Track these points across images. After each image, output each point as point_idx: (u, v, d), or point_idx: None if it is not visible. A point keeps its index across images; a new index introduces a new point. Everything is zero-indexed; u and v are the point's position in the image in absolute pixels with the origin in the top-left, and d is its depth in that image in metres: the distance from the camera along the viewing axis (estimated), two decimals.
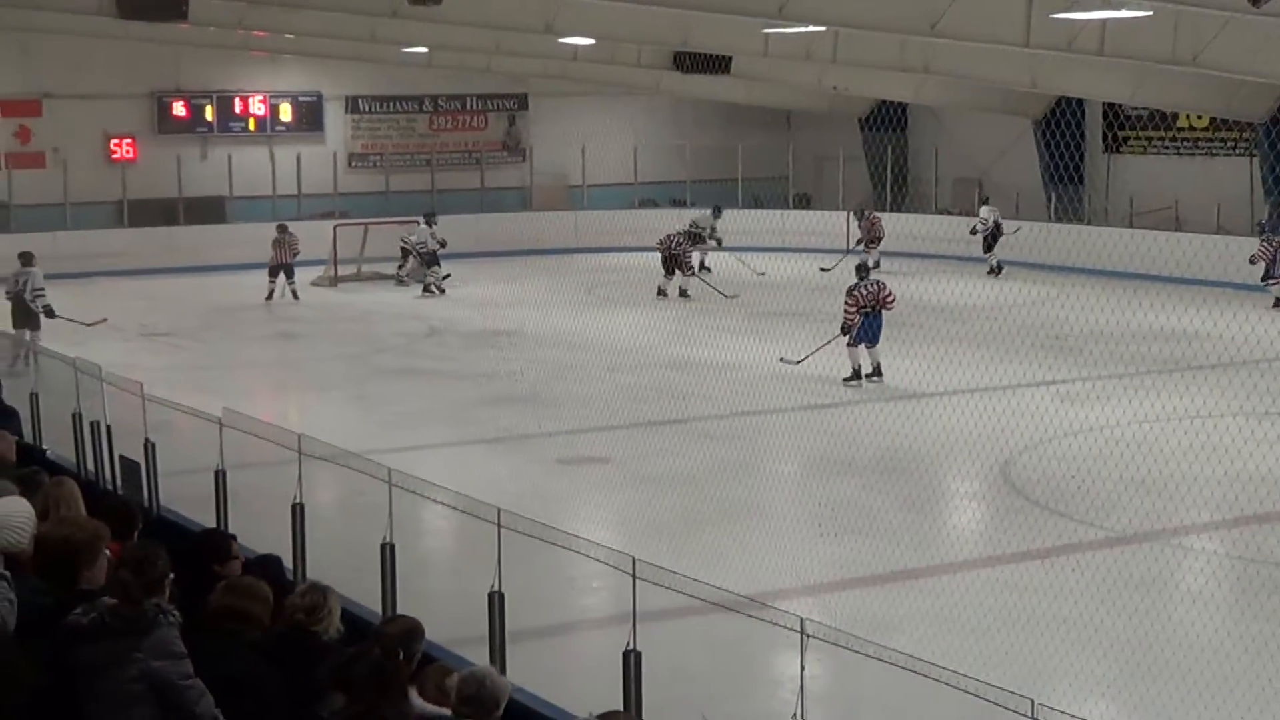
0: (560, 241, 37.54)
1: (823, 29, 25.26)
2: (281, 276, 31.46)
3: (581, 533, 11.17)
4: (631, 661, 8.18)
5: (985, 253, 34.03)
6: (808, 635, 7.12)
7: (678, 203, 41.00)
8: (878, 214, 35.63)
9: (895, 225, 35.47)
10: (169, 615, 6.06)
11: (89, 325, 25.36)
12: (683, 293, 31.05)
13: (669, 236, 31.31)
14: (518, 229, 38.06)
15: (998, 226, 34.05)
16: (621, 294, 31.22)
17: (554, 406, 20.25)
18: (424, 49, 33.74)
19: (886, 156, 38.47)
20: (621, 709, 7.77)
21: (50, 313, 24.18)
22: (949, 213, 38.09)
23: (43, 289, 24.28)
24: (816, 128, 41.91)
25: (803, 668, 7.10)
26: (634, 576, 8.12)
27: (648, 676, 8.25)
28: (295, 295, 31.38)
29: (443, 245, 33.14)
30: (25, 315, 24.12)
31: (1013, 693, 5.99)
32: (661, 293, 31.10)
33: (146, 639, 5.94)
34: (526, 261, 34.46)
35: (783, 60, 30.10)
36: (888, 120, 39.42)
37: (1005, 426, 17.16)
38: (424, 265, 33.10)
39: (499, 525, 9.07)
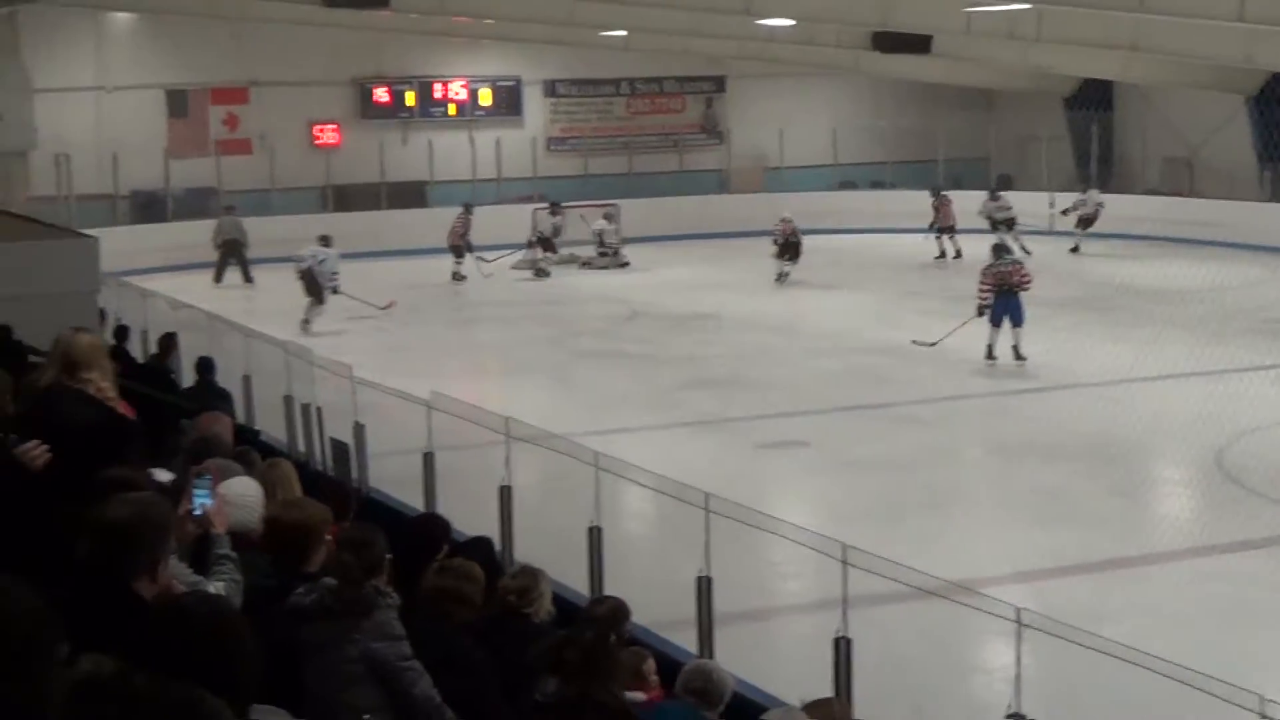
0: (758, 224, 37.46)
1: (1027, 6, 24.89)
2: (466, 256, 31.83)
3: (784, 517, 11.13)
4: (842, 648, 8.14)
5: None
6: (1024, 625, 7.04)
7: (877, 184, 40.72)
8: (949, 195, 34.90)
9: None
10: (388, 597, 6.14)
11: (381, 309, 27.34)
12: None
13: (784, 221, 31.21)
14: (716, 211, 38.03)
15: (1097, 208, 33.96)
16: (821, 277, 31.06)
17: (755, 390, 20.22)
18: (622, 32, 33.83)
19: (1092, 136, 37.84)
20: (832, 695, 7.73)
21: (336, 291, 26.56)
22: (1157, 193, 37.35)
23: (338, 272, 26.57)
24: (1019, 107, 41.33)
25: (1019, 657, 7.01)
26: (844, 563, 8.07)
27: (856, 663, 8.21)
28: (457, 277, 31.80)
29: (556, 233, 33.52)
30: (314, 289, 26.39)
31: (1239, 687, 5.86)
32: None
33: (366, 620, 6.01)
34: (725, 244, 34.48)
35: (984, 38, 29.71)
36: (1093, 98, 38.77)
37: (1219, 412, 16.78)
38: (543, 250, 33.37)
39: (707, 510, 9.07)
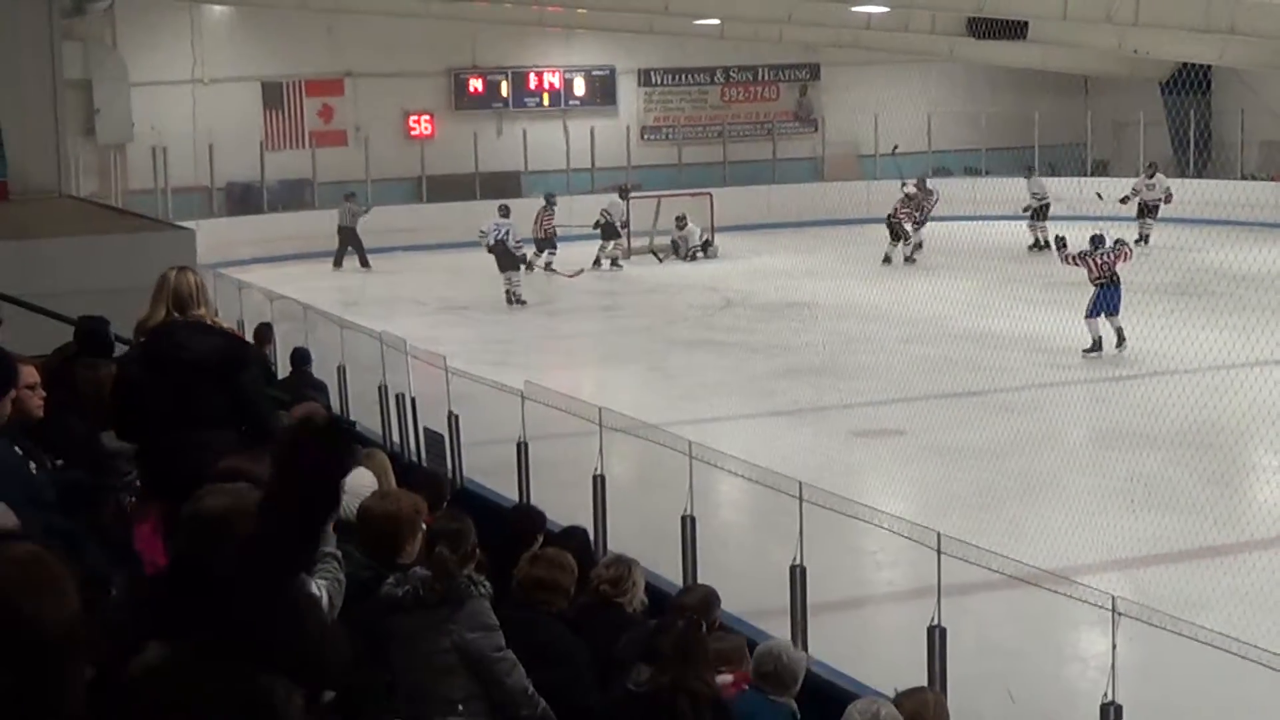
0: (853, 212, 37.27)
1: None
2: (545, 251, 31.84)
3: (878, 505, 11.10)
4: (936, 637, 8.12)
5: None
6: (1119, 614, 7.00)
7: (972, 171, 40.47)
8: (933, 185, 34.28)
9: (1198, 191, 34.43)
10: (481, 587, 6.17)
11: (570, 276, 29.40)
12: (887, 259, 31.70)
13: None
14: (810, 199, 37.95)
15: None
16: (917, 264, 30.92)
17: (848, 378, 20.16)
18: (716, 20, 33.80)
19: (1189, 120, 37.45)
20: (926, 684, 7.72)
21: (525, 260, 28.88)
22: (1254, 178, 36.94)
23: (521, 239, 28.46)
24: (1115, 92, 40.96)
25: (1114, 646, 6.98)
26: (939, 551, 8.06)
27: (950, 652, 8.19)
28: (549, 269, 31.62)
29: (624, 225, 33.44)
30: (509, 259, 27.94)
31: None
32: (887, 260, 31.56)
33: (460, 611, 6.05)
34: (819, 232, 34.38)
35: (1081, 24, 29.47)
36: (1190, 83, 38.33)
37: None
38: (605, 239, 33.10)
39: (800, 499, 9.07)
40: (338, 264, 33.14)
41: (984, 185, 38.30)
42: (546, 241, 31.84)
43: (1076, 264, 22.46)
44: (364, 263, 33.02)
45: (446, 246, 34.21)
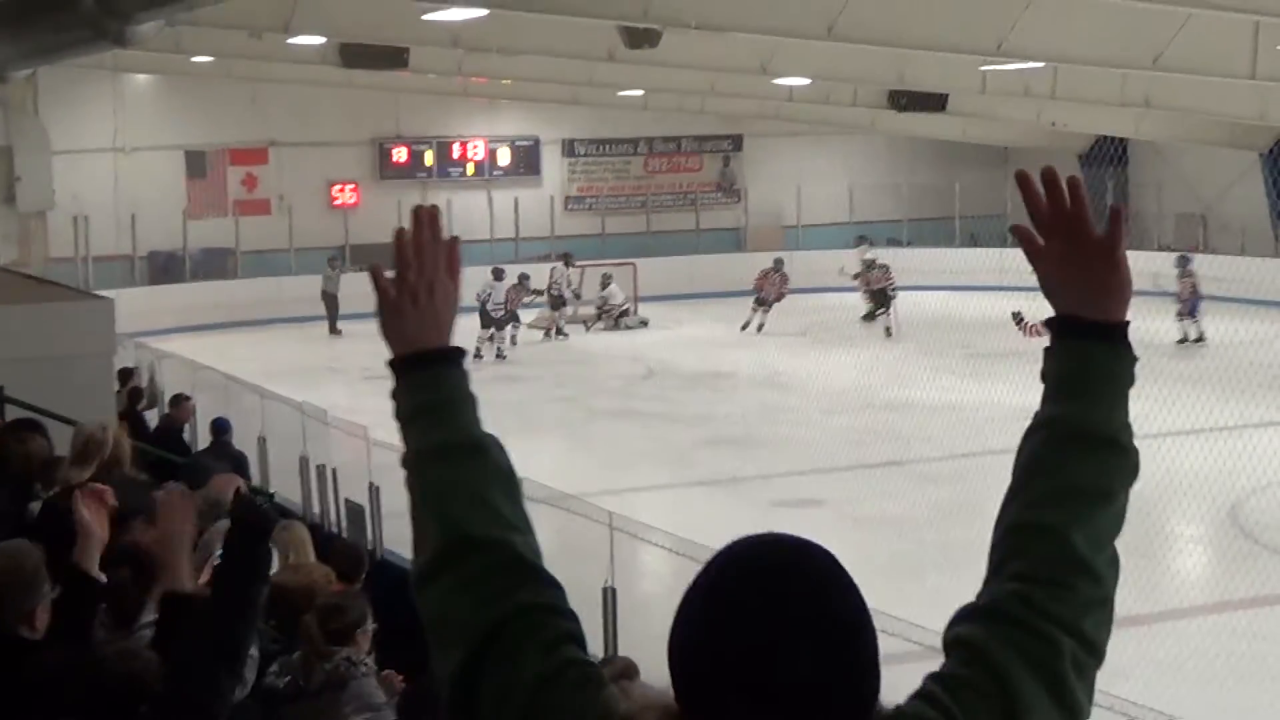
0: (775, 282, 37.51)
1: (1041, 65, 24.97)
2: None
3: None
4: None
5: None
6: None
7: (894, 242, 40.73)
8: (781, 269, 34.42)
9: None
10: (361, 666, 5.99)
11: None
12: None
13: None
14: (732, 270, 38.09)
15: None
16: (837, 335, 31.05)
17: (770, 449, 20.20)
18: (639, 92, 33.97)
19: (1107, 192, 37.86)
20: None
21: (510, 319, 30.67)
22: (1170, 249, 37.31)
23: (502, 302, 30.18)
24: (1034, 163, 40.12)
25: None
26: None
27: None
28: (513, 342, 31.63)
29: (577, 296, 33.71)
30: (486, 319, 29.92)
31: None
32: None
33: (343, 693, 5.88)
34: (741, 302, 34.48)
35: (1000, 97, 29.77)
36: (1108, 155, 38.78)
37: (1233, 468, 16.73)
38: (552, 309, 33.31)
39: None
40: (333, 329, 33.31)
41: (907, 256, 38.60)
42: (511, 316, 31.56)
43: (1039, 334, 22.52)
44: (333, 329, 33.18)
45: (367, 316, 33.86)
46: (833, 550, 2.19)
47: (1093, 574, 2.39)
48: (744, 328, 32.84)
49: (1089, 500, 2.42)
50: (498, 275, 30.57)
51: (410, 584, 2.44)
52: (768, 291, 33.80)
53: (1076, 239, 2.51)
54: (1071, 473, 2.43)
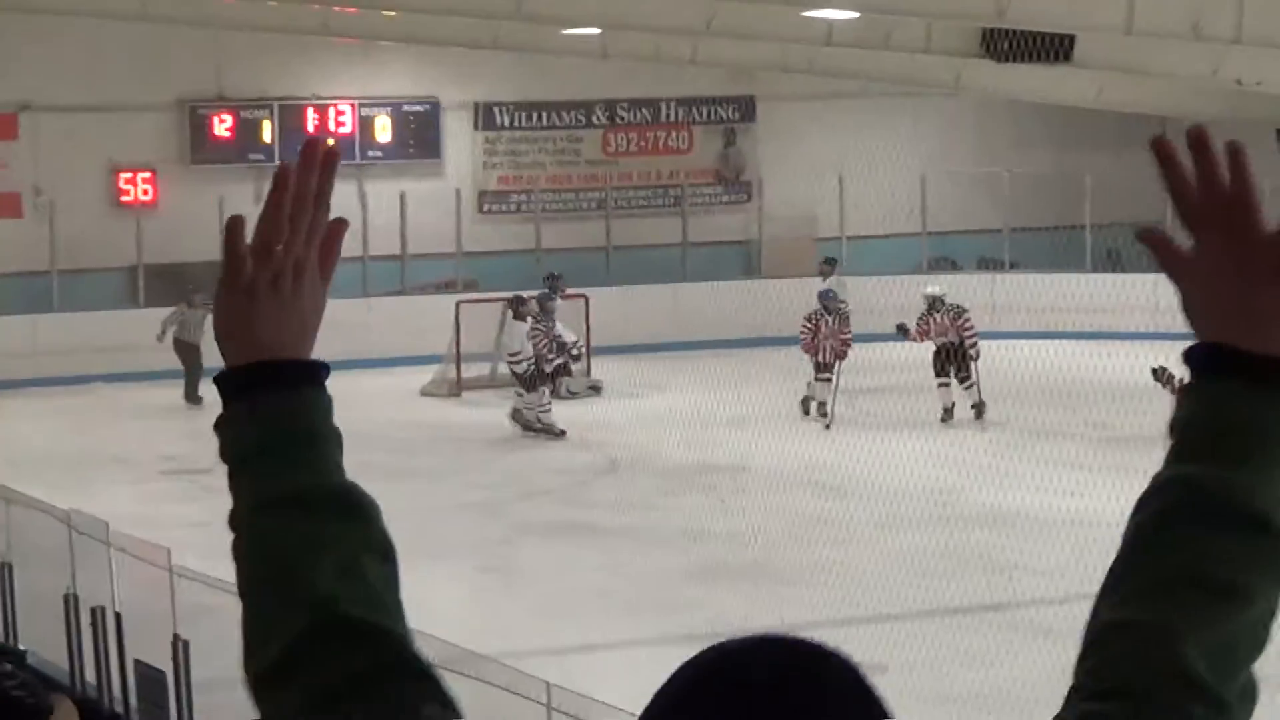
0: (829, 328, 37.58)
1: None
2: None
3: None
4: None
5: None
6: None
7: (988, 264, 40.76)
8: (836, 305, 34.14)
9: None
10: None
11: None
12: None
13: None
14: (740, 305, 38.07)
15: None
16: (900, 407, 31.10)
17: (798, 585, 20.22)
18: (595, 29, 33.71)
19: None
20: None
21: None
22: None
23: (518, 351, 31.80)
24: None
25: None
26: None
27: None
28: None
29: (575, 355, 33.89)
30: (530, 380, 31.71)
31: None
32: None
33: None
34: (753, 356, 34.52)
35: (1155, 39, 29.72)
36: None
37: None
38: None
39: None
40: (192, 396, 32.72)
41: (1008, 285, 38.59)
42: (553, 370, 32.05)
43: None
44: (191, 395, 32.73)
45: (175, 375, 33.85)
46: None
47: (1214, 703, 2.35)
48: (806, 412, 32.60)
49: (1215, 598, 2.40)
50: (517, 311, 32.15)
51: (248, 688, 2.44)
52: (822, 346, 32.94)
53: (1237, 234, 2.49)
54: (1195, 557, 2.41)
